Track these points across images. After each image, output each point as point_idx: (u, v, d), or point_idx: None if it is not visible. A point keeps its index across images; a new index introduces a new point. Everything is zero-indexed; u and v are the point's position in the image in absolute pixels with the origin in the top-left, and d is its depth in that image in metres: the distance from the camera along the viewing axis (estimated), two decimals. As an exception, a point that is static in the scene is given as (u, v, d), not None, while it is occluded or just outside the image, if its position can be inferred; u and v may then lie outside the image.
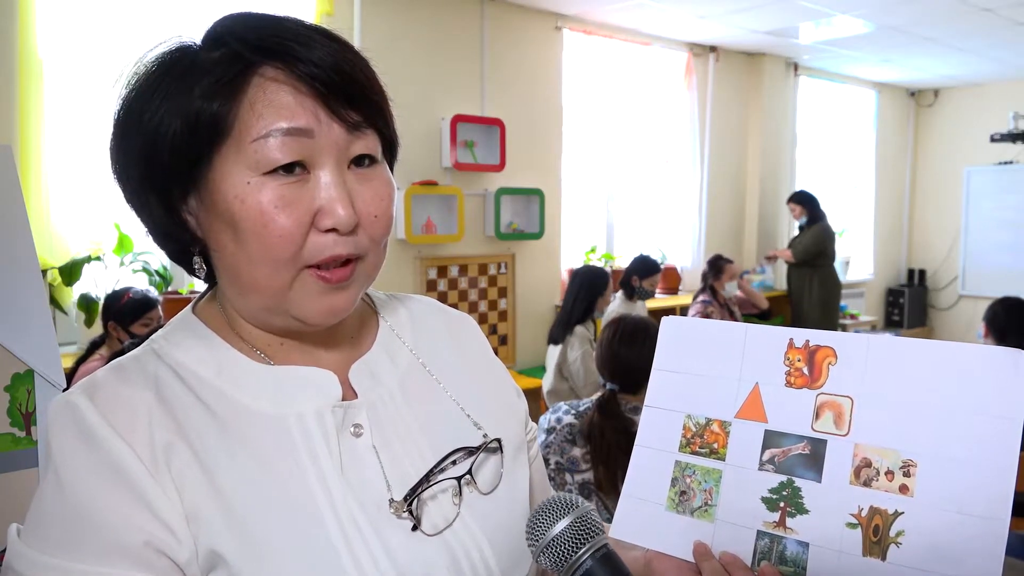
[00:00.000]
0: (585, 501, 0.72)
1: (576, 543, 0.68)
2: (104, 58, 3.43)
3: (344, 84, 0.70)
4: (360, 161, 0.73)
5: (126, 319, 3.03)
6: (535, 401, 4.46)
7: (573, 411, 2.42)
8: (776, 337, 0.79)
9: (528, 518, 0.72)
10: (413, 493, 0.74)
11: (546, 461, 2.35)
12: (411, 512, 0.73)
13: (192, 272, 0.78)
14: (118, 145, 0.72)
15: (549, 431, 2.39)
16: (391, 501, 0.73)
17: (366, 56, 0.75)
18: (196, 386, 0.73)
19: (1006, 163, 7.62)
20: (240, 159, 0.68)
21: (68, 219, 3.42)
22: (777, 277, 6.60)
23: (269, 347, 0.78)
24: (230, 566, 0.66)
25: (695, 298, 5.23)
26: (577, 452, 2.35)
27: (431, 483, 0.76)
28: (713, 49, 6.23)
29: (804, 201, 6.12)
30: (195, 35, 0.72)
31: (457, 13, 4.74)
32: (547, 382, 4.23)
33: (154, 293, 3.19)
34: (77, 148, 3.45)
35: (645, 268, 4.69)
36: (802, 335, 0.78)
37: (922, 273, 8.47)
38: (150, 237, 0.77)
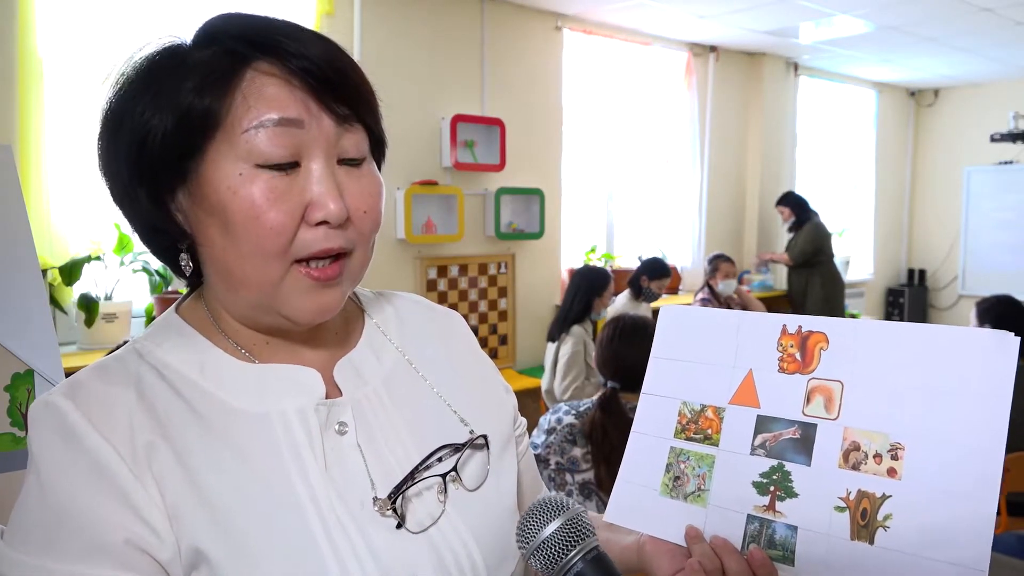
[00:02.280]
0: (575, 503, 0.72)
1: (567, 545, 0.68)
2: (104, 58, 3.44)
3: (335, 78, 0.70)
4: (350, 160, 0.73)
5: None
6: (535, 401, 4.46)
7: (573, 411, 2.42)
8: (770, 324, 0.80)
9: (518, 520, 0.72)
10: (398, 491, 0.74)
11: (547, 461, 2.35)
12: (395, 510, 0.73)
13: (177, 270, 0.78)
14: (108, 142, 0.73)
15: (549, 431, 2.39)
16: (375, 499, 0.73)
17: (362, 58, 0.76)
18: (179, 385, 0.73)
19: (1006, 163, 7.62)
20: (231, 151, 0.68)
21: (68, 219, 3.41)
22: (777, 277, 6.59)
23: (255, 346, 0.78)
24: (212, 564, 0.66)
25: (695, 296, 5.24)
26: (578, 452, 2.35)
27: (416, 480, 0.76)
28: (713, 49, 6.23)
29: (792, 203, 6.09)
30: (186, 34, 0.72)
31: (457, 13, 4.75)
32: (545, 381, 4.24)
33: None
34: (77, 148, 3.44)
35: (655, 270, 4.71)
36: (795, 321, 0.79)
37: (922, 273, 8.47)
38: (137, 234, 0.77)
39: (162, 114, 0.68)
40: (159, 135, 0.68)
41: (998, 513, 0.66)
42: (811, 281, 6.05)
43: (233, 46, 0.69)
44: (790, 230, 6.15)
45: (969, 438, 0.67)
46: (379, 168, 0.80)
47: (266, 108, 0.68)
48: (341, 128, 0.72)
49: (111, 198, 0.76)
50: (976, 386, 0.68)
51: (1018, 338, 0.68)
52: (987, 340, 0.68)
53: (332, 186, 0.70)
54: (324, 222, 0.70)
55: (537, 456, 2.35)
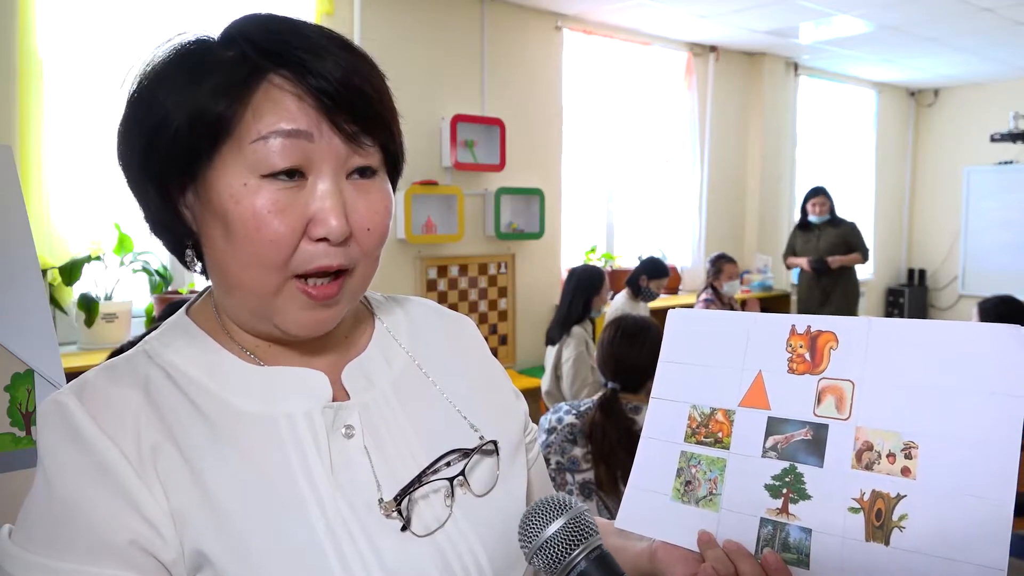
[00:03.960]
0: (578, 501, 0.71)
1: (570, 544, 0.67)
2: (104, 58, 3.43)
3: (351, 98, 0.69)
4: (361, 172, 0.73)
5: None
6: (535, 402, 4.46)
7: (574, 411, 2.41)
8: (778, 324, 0.79)
9: (520, 519, 0.71)
10: (404, 493, 0.73)
11: (547, 461, 2.34)
12: (400, 512, 0.72)
13: (185, 263, 0.78)
14: (125, 131, 0.72)
15: (550, 431, 2.39)
16: (380, 501, 0.72)
17: (380, 68, 0.75)
18: (186, 387, 0.73)
19: (1006, 163, 7.62)
20: (239, 160, 0.68)
21: (68, 219, 3.41)
22: (777, 277, 6.59)
23: (259, 348, 0.77)
24: (216, 567, 0.65)
25: (698, 297, 5.23)
26: (578, 452, 2.34)
27: (423, 483, 0.75)
28: (713, 49, 6.23)
29: (829, 197, 5.99)
30: (215, 31, 0.71)
31: (457, 13, 4.75)
32: (545, 382, 4.24)
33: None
34: (77, 148, 3.44)
35: (654, 270, 4.72)
36: (803, 321, 0.78)
37: (922, 273, 8.47)
38: (147, 225, 0.77)
39: (176, 112, 0.68)
40: (171, 132, 0.68)
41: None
42: (826, 291, 5.90)
43: (252, 54, 0.68)
44: (806, 227, 6.00)
45: (985, 436, 0.66)
46: (394, 185, 0.79)
47: (276, 119, 0.67)
48: (351, 147, 0.71)
49: (126, 185, 0.75)
50: (991, 382, 0.67)
51: None
52: (1003, 335, 0.67)
53: (337, 203, 0.69)
54: (325, 239, 0.69)
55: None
